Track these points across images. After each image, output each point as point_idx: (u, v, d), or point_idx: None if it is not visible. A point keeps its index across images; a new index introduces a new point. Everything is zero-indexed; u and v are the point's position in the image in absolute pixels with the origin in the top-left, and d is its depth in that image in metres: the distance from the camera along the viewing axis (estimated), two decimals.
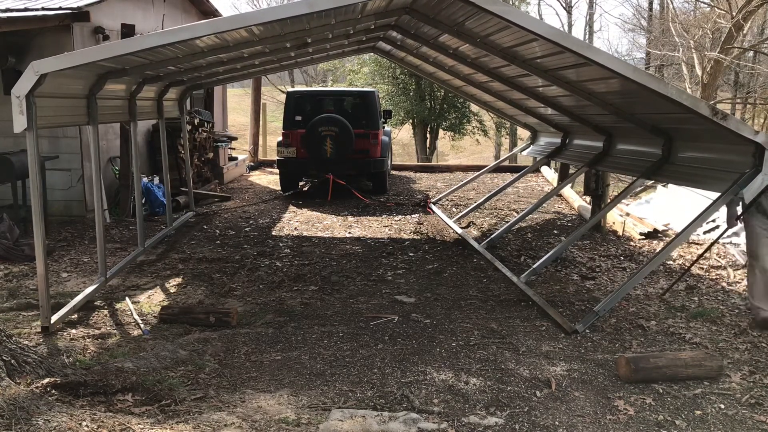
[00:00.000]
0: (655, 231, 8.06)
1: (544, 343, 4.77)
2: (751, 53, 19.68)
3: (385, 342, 4.79)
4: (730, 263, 6.65)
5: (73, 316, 5.23)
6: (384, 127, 12.38)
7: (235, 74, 9.80)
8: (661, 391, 3.97)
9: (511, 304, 5.68)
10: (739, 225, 7.70)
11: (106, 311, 5.45)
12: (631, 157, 6.68)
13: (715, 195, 4.97)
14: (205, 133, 11.54)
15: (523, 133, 24.04)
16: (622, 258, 7.08)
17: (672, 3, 20.61)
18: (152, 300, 5.80)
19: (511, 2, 22.72)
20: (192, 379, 4.07)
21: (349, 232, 8.61)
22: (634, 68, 4.78)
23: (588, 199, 9.17)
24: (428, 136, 23.90)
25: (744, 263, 6.55)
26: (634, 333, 4.96)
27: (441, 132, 24.16)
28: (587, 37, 35.75)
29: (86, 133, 8.28)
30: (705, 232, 7.91)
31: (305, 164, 10.94)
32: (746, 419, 3.65)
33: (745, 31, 16.70)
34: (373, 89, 13.60)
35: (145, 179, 9.28)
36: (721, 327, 5.04)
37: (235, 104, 25.24)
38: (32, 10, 8.18)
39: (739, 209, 4.66)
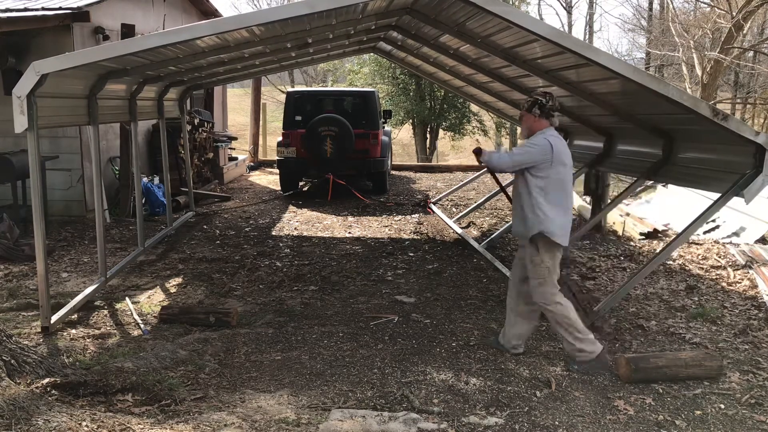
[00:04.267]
0: (655, 231, 8.06)
1: (544, 343, 4.77)
2: (751, 53, 19.67)
3: (385, 342, 4.79)
4: (730, 263, 6.65)
5: (73, 316, 5.23)
6: (384, 127, 12.38)
7: (235, 74, 9.81)
8: (661, 391, 3.97)
9: None
10: (740, 225, 7.75)
11: (106, 311, 5.44)
12: (632, 157, 6.68)
13: (715, 195, 4.97)
14: (205, 133, 11.54)
15: None
16: (622, 258, 7.08)
17: (672, 3, 20.62)
18: (152, 300, 5.80)
19: (511, 2, 22.72)
20: (192, 379, 4.07)
21: (349, 232, 8.61)
22: (634, 68, 4.77)
23: (588, 199, 9.17)
24: (428, 136, 23.89)
25: (744, 263, 6.56)
26: (634, 333, 4.96)
27: (441, 132, 24.14)
28: (587, 37, 35.71)
29: (86, 133, 8.28)
30: (705, 232, 7.91)
31: (305, 164, 10.94)
32: (746, 419, 3.65)
33: (745, 31, 16.71)
34: (373, 89, 13.60)
35: (145, 179, 9.28)
36: (721, 327, 5.04)
37: (235, 104, 25.21)
38: (32, 10, 8.17)
39: None
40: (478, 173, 11.67)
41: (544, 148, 4.08)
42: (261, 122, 16.83)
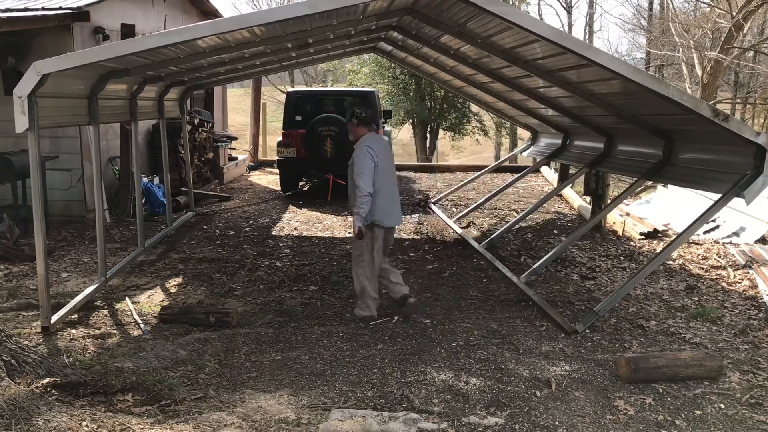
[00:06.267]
0: (655, 231, 8.06)
1: (544, 343, 4.77)
2: (751, 53, 19.66)
3: (385, 342, 4.79)
4: (730, 263, 6.65)
5: (73, 316, 5.23)
6: (384, 127, 12.38)
7: (236, 74, 9.80)
8: (661, 391, 3.98)
9: (511, 304, 5.68)
10: (740, 225, 7.75)
11: (106, 311, 5.45)
12: (632, 158, 6.68)
13: (715, 196, 4.97)
14: (205, 133, 11.55)
15: (524, 133, 24.02)
16: (622, 258, 7.08)
17: (672, 3, 20.59)
18: (152, 300, 5.80)
19: (510, 2, 22.71)
20: (192, 379, 4.07)
21: (349, 232, 8.60)
22: (634, 69, 4.77)
23: (588, 199, 9.17)
24: (428, 136, 23.87)
25: (744, 263, 6.56)
26: (634, 333, 4.96)
27: (441, 132, 24.13)
28: (587, 37, 35.68)
29: (86, 133, 8.29)
30: (705, 232, 7.91)
31: (305, 164, 10.93)
32: (746, 419, 3.65)
33: (745, 31, 16.68)
34: (373, 89, 13.60)
35: (145, 179, 9.28)
36: (721, 327, 5.05)
37: (235, 104, 25.22)
38: (32, 10, 8.17)
39: None
40: (478, 173, 11.69)
41: (368, 153, 4.96)
42: (261, 122, 16.83)
